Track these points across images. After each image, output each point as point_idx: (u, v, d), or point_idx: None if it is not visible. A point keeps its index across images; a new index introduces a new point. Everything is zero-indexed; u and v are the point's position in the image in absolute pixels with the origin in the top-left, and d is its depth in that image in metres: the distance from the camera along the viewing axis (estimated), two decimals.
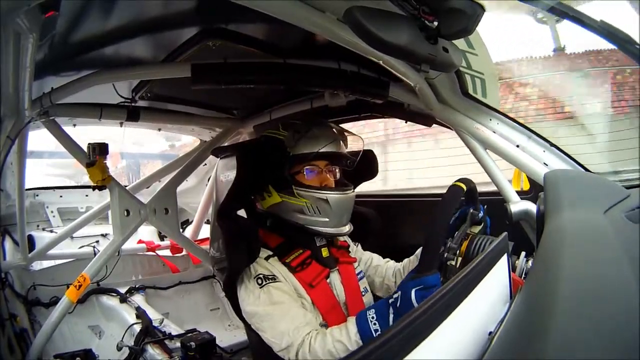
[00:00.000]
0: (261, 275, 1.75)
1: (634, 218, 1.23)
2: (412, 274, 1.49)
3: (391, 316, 1.45)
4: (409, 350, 0.60)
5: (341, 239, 2.08)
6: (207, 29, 1.87)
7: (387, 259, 2.22)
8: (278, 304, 1.69)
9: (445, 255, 1.57)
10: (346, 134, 2.06)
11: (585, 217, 1.26)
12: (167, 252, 4.08)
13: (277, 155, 1.87)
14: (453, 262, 1.56)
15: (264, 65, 2.01)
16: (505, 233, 1.21)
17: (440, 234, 1.51)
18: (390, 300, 1.48)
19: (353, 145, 2.13)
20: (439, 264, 1.53)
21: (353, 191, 1.95)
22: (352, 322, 1.56)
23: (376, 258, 2.22)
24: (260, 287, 1.73)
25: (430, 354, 0.64)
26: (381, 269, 2.16)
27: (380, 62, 1.70)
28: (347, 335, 1.53)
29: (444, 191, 1.64)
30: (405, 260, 2.10)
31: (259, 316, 1.71)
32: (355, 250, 2.18)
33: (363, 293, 1.98)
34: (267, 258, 1.83)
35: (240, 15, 1.78)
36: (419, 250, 1.97)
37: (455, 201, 1.61)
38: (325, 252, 1.94)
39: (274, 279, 1.75)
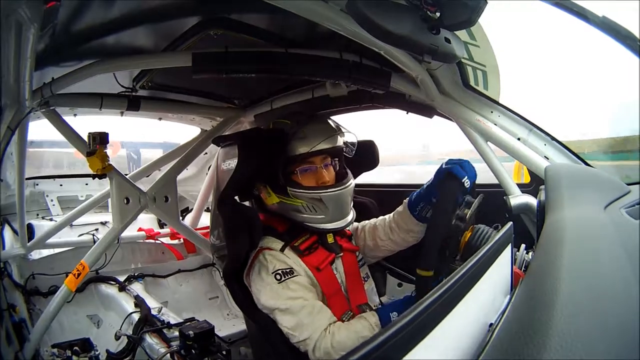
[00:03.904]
0: (280, 271, 1.77)
1: (634, 214, 1.23)
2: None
3: None
4: (414, 345, 0.60)
5: None
6: (208, 18, 1.86)
7: (373, 219, 2.20)
8: (298, 299, 1.72)
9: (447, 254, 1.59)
10: (341, 128, 2.05)
11: (586, 212, 1.26)
12: (167, 240, 4.11)
13: (276, 146, 1.87)
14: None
15: (265, 54, 2.00)
16: (510, 223, 1.21)
17: (436, 241, 1.57)
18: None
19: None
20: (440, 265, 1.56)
21: (350, 183, 1.95)
22: (375, 322, 1.61)
23: (361, 225, 2.20)
24: (279, 283, 1.75)
25: (434, 347, 0.64)
26: (369, 231, 2.14)
27: (382, 53, 1.70)
28: (372, 331, 1.59)
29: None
30: (394, 213, 2.08)
31: (279, 310, 1.73)
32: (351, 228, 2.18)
33: (365, 279, 2.01)
34: (282, 249, 1.85)
35: (241, 5, 1.77)
36: (405, 203, 2.00)
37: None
38: (330, 238, 1.97)
39: (291, 273, 1.78)
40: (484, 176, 2.02)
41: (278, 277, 1.76)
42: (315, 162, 1.90)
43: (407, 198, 1.98)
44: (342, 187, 1.89)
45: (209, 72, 1.93)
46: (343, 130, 2.02)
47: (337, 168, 2.00)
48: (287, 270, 1.78)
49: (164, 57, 2.13)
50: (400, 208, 2.04)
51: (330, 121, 2.03)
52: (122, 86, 2.49)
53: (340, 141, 1.98)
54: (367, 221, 2.20)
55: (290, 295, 1.72)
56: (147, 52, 2.17)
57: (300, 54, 2.01)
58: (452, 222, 1.65)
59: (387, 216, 2.12)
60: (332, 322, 1.69)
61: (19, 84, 1.90)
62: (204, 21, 1.88)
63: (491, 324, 0.90)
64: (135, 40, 2.08)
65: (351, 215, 1.96)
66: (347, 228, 2.09)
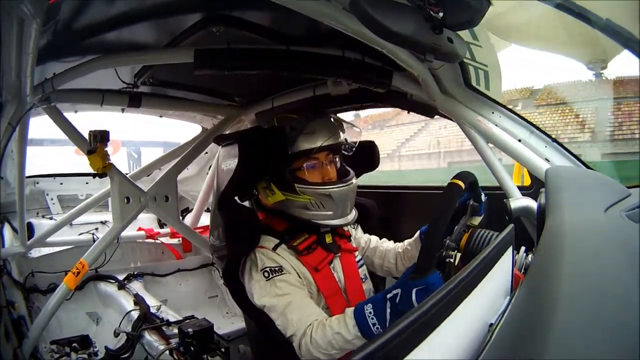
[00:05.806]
0: (268, 269, 1.78)
1: (634, 217, 1.23)
2: (411, 271, 1.50)
3: (388, 310, 1.48)
4: (416, 345, 0.60)
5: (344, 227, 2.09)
6: (211, 14, 1.86)
7: (384, 239, 2.24)
8: (284, 295, 1.72)
9: (444, 253, 1.58)
10: (345, 124, 2.06)
11: (586, 215, 1.25)
12: (167, 240, 4.11)
13: (278, 145, 1.87)
14: (452, 259, 1.57)
15: (267, 51, 2.00)
16: (512, 225, 1.21)
17: (438, 236, 1.53)
18: (388, 296, 1.50)
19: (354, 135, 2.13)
20: (438, 262, 1.54)
21: (355, 180, 1.96)
22: (350, 315, 1.58)
23: (374, 240, 2.24)
24: (267, 280, 1.76)
25: (435, 347, 0.64)
26: (380, 251, 2.18)
27: (384, 51, 1.70)
28: (345, 327, 1.56)
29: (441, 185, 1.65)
30: (406, 242, 2.11)
31: (267, 308, 1.74)
32: (355, 233, 2.20)
33: (363, 280, 2.01)
34: (274, 248, 1.86)
35: (244, 2, 1.77)
36: (417, 234, 2.02)
37: (453, 201, 1.60)
38: (328, 238, 1.98)
39: (280, 270, 1.78)
40: (483, 177, 2.02)
41: (266, 274, 1.77)
42: (321, 158, 1.91)
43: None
44: (349, 183, 1.92)
45: (210, 68, 1.93)
46: (346, 126, 2.04)
47: (339, 165, 2.00)
48: (276, 268, 1.79)
49: (165, 53, 2.13)
50: (412, 239, 2.07)
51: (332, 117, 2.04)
52: (124, 82, 2.48)
53: (342, 137, 1.99)
54: (381, 240, 2.24)
55: (277, 293, 1.73)
56: (149, 48, 2.17)
57: (302, 52, 2.01)
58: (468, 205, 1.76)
59: (399, 243, 2.16)
60: (317, 318, 1.68)
61: (21, 80, 1.90)
62: (206, 18, 1.87)
63: (491, 324, 0.90)
64: (137, 36, 2.07)
65: (354, 213, 1.97)
66: (348, 229, 2.11)
